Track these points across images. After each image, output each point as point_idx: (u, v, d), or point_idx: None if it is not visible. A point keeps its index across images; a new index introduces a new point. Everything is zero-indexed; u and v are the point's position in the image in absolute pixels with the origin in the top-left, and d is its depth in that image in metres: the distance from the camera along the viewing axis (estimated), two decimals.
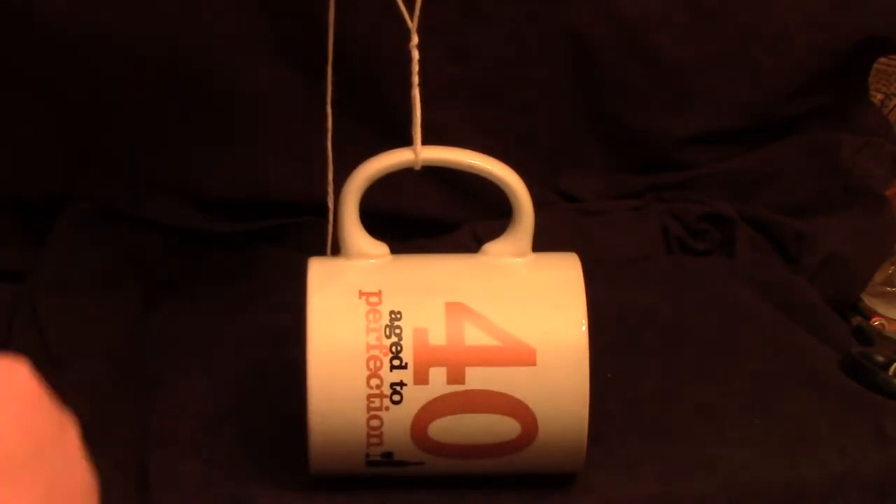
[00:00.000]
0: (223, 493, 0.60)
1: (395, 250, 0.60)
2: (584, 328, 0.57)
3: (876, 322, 0.80)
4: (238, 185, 0.80)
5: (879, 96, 1.01)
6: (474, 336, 0.57)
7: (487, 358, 0.57)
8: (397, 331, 0.57)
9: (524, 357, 0.57)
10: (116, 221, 0.80)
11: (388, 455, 0.58)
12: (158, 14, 0.75)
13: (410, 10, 0.57)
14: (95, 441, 0.63)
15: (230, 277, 0.78)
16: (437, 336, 0.57)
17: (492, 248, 0.60)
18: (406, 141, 0.59)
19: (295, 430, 0.58)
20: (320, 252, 0.61)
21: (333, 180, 0.65)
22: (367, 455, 0.58)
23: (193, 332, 0.73)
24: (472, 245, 0.80)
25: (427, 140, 0.59)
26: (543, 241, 0.60)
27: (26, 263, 0.77)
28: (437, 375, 0.57)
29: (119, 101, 0.78)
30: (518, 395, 0.57)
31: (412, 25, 0.57)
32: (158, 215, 0.80)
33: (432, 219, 0.82)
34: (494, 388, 0.57)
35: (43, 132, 0.79)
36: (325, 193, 0.67)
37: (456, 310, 0.57)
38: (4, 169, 0.80)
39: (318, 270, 0.59)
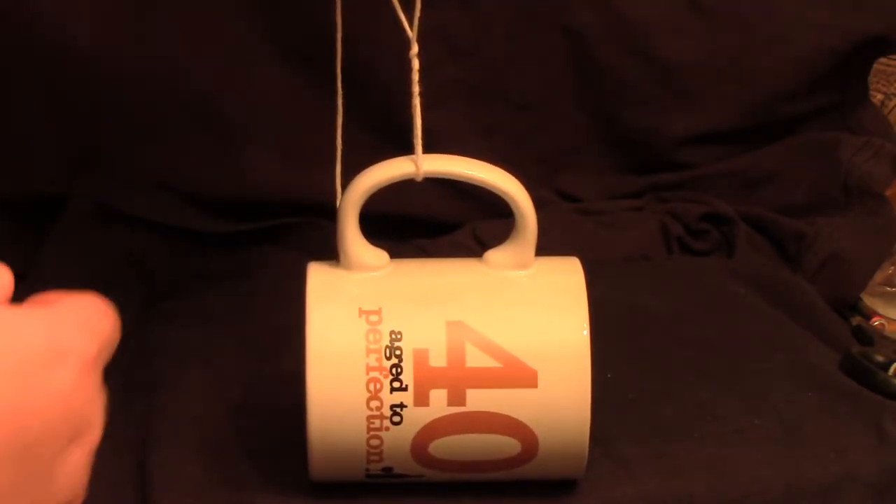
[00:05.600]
0: (223, 495, 0.60)
1: (395, 251, 0.60)
2: (587, 350, 0.57)
3: (876, 322, 0.80)
4: (238, 185, 0.80)
5: (879, 96, 1.01)
6: (475, 357, 0.56)
7: (488, 380, 0.56)
8: (397, 352, 0.56)
9: (525, 379, 0.56)
10: (116, 221, 0.80)
11: (388, 469, 0.58)
12: (158, 16, 0.75)
13: (410, 18, 0.57)
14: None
15: (230, 277, 0.78)
16: (438, 357, 0.56)
17: (494, 256, 0.59)
18: (407, 144, 0.59)
19: (295, 431, 0.58)
20: (320, 252, 0.61)
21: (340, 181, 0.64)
22: (367, 469, 0.58)
23: (193, 333, 0.73)
24: (472, 245, 0.81)
25: (426, 140, 0.58)
26: (543, 242, 0.60)
27: (26, 263, 0.77)
28: (438, 397, 0.56)
29: (119, 101, 0.78)
30: (519, 416, 0.57)
31: (412, 34, 0.57)
32: (158, 215, 0.80)
33: (432, 219, 0.82)
34: (495, 410, 0.56)
35: (43, 132, 0.79)
36: (326, 193, 0.67)
37: (457, 329, 0.56)
38: (4, 169, 0.80)
39: (318, 283, 0.58)
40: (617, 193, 0.87)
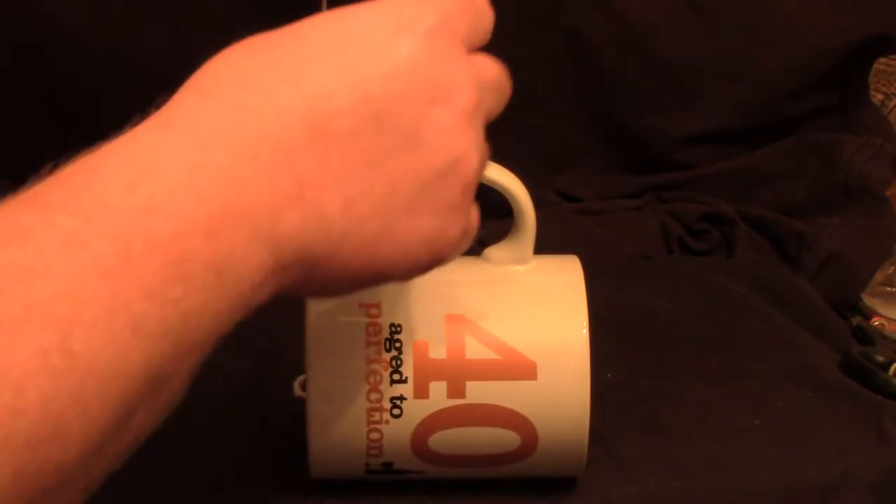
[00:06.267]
0: (222, 493, 0.60)
1: None
2: (586, 342, 0.57)
3: (876, 322, 0.80)
4: None
5: (879, 96, 1.01)
6: (475, 350, 0.56)
7: (488, 372, 0.56)
8: (397, 344, 0.56)
9: (525, 371, 0.56)
10: None
11: (388, 465, 0.58)
12: (158, 15, 0.75)
13: None
14: None
15: None
16: (438, 350, 0.56)
17: (493, 253, 0.60)
18: None
19: (294, 429, 0.58)
20: None
21: None
22: (367, 464, 0.58)
23: None
24: (472, 246, 0.80)
25: None
26: (543, 241, 0.60)
27: None
28: (438, 389, 0.56)
29: (119, 101, 0.78)
30: (518, 408, 0.57)
31: None
32: None
33: None
34: (495, 402, 0.56)
35: (44, 133, 0.79)
36: None
37: (456, 322, 0.57)
38: (5, 169, 0.80)
39: None
40: (617, 193, 0.87)
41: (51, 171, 0.41)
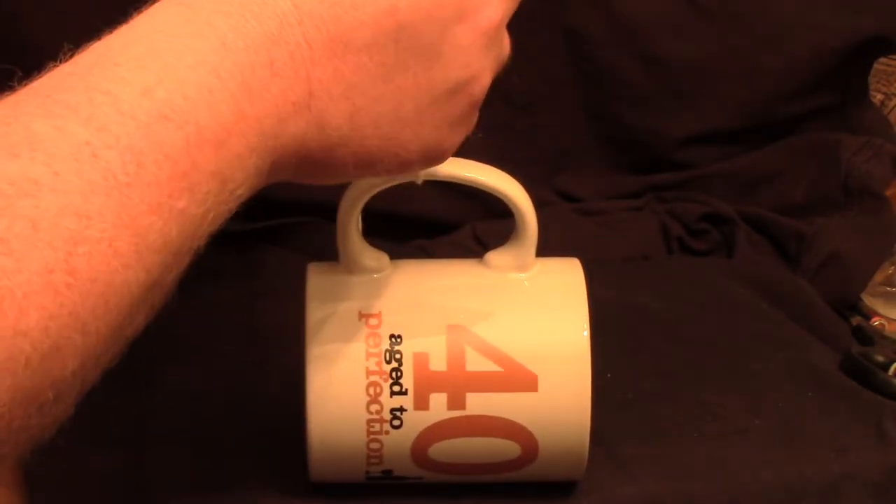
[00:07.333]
0: (223, 495, 0.60)
1: (394, 251, 0.60)
2: (587, 355, 0.57)
3: (876, 322, 0.80)
4: None
5: (879, 96, 1.01)
6: (475, 361, 0.56)
7: (488, 384, 0.56)
8: (397, 356, 0.56)
9: (525, 383, 0.56)
10: None
11: (387, 472, 0.58)
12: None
13: None
14: (94, 441, 0.63)
15: (231, 276, 0.78)
16: (438, 361, 0.56)
17: (494, 258, 0.59)
18: None
19: (295, 430, 0.58)
20: (321, 253, 0.60)
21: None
22: (367, 472, 0.58)
23: (193, 331, 0.72)
24: (472, 246, 0.80)
25: None
26: (543, 242, 0.60)
27: None
28: (438, 401, 0.56)
29: None
30: (519, 419, 0.56)
31: None
32: None
33: (432, 219, 0.82)
34: (495, 414, 0.56)
35: None
36: (327, 193, 0.66)
37: (457, 333, 0.56)
38: None
39: (317, 285, 0.58)
40: (617, 193, 0.87)
41: (69, 56, 0.39)
